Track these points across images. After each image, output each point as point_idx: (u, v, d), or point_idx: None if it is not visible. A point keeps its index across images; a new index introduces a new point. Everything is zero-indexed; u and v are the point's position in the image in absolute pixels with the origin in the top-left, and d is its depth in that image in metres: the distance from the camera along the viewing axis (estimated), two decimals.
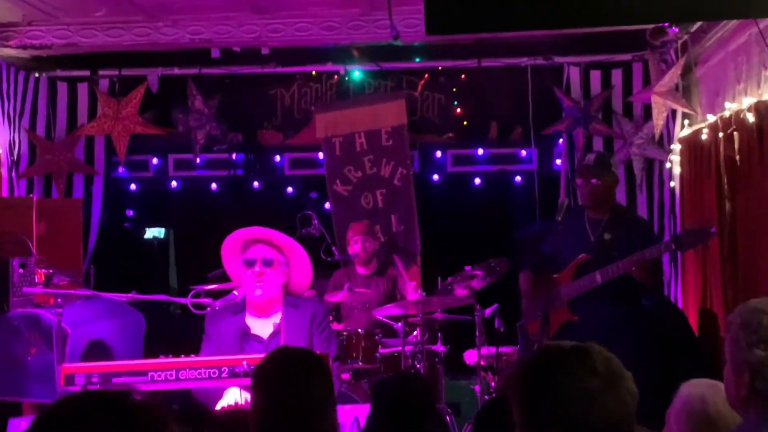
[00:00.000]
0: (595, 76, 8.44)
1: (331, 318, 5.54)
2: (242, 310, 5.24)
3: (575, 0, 3.55)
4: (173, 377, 4.49)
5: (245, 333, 5.14)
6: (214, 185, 9.18)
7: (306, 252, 5.41)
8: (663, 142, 8.17)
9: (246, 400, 4.66)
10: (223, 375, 4.49)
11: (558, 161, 8.70)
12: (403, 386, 3.97)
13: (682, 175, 7.90)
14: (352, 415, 4.50)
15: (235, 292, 5.21)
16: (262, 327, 5.20)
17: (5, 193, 8.33)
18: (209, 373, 4.49)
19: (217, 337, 5.16)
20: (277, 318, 5.20)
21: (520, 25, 3.72)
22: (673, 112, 7.99)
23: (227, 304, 5.15)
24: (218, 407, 4.76)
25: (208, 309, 5.00)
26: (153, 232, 9.54)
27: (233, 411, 4.63)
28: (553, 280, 5.83)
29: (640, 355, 5.19)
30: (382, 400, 3.96)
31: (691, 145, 7.63)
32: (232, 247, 5.35)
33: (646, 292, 5.91)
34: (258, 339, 5.13)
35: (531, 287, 5.98)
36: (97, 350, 6.86)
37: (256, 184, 9.15)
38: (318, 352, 5.02)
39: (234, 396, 4.80)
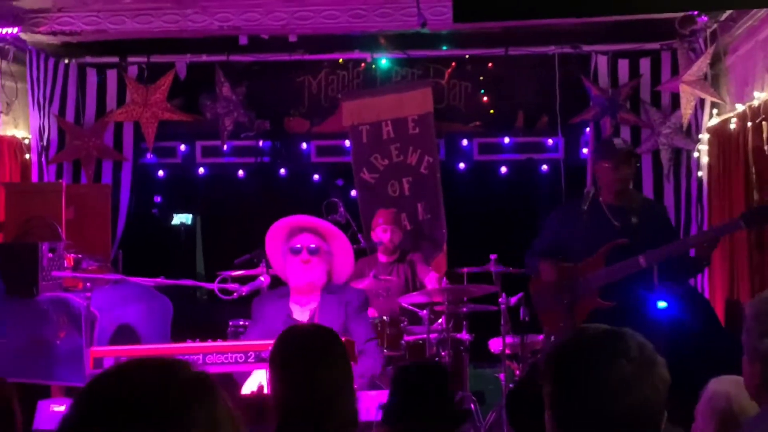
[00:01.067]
0: (623, 65, 8.39)
1: (367, 304, 5.62)
2: (287, 295, 5.37)
3: None
4: (200, 361, 4.53)
5: (288, 317, 5.26)
6: (241, 172, 9.20)
7: (349, 241, 5.50)
8: (691, 131, 8.12)
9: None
10: (250, 360, 4.53)
11: (584, 150, 8.67)
12: (423, 375, 3.97)
13: (709, 165, 7.87)
14: (377, 401, 4.52)
15: (261, 278, 5.28)
16: (301, 312, 5.32)
17: (35, 179, 8.41)
18: (236, 357, 4.54)
19: (263, 321, 5.29)
20: (314, 304, 5.33)
21: (548, 12, 3.71)
22: (702, 102, 7.96)
23: (261, 289, 5.23)
24: (244, 391, 4.80)
25: (235, 294, 5.05)
26: (180, 218, 9.60)
27: (256, 396, 4.67)
28: (572, 268, 5.78)
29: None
30: (401, 388, 3.97)
31: (720, 134, 7.59)
32: (277, 235, 5.45)
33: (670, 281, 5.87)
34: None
35: (555, 276, 5.92)
36: (124, 335, 6.92)
37: (282, 171, 9.17)
38: (354, 335, 5.11)
39: (259, 380, 4.84)
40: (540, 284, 5.97)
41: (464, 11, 3.33)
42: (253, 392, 4.76)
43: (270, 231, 5.48)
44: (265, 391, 4.74)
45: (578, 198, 5.81)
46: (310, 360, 3.06)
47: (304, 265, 5.28)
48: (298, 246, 5.32)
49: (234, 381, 4.95)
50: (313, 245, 5.32)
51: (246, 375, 4.90)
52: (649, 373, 2.06)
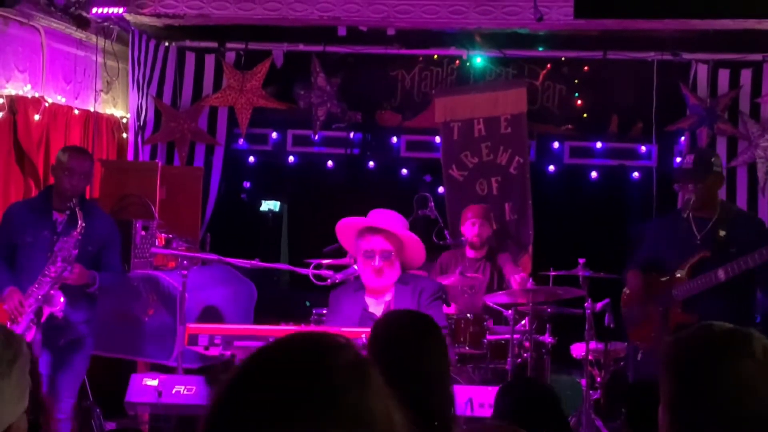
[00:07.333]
0: (724, 74, 8.24)
1: (442, 294, 5.54)
2: (362, 288, 5.33)
3: None
4: None
5: (365, 311, 5.24)
6: (330, 162, 9.24)
7: (421, 241, 5.43)
8: None
9: None
10: None
11: (678, 159, 8.53)
12: (534, 398, 3.82)
13: None
14: (467, 395, 4.52)
15: (355, 266, 5.26)
16: (376, 305, 5.29)
17: (130, 157, 8.56)
18: None
19: (339, 313, 5.27)
20: (389, 296, 5.30)
21: (670, 13, 3.67)
22: None
23: (348, 279, 5.22)
24: None
25: (329, 281, 5.07)
26: (269, 205, 9.68)
27: None
28: (661, 280, 5.72)
29: None
30: (507, 406, 3.81)
31: None
32: (349, 230, 5.39)
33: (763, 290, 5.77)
34: (373, 317, 5.17)
35: (642, 287, 5.84)
36: (210, 316, 7.03)
37: (371, 163, 9.18)
38: None
39: None
40: (628, 294, 5.93)
41: (586, 8, 3.31)
42: None
43: (340, 226, 5.42)
44: None
45: (678, 208, 5.76)
46: (407, 348, 3.04)
47: (377, 272, 5.19)
48: (371, 249, 5.23)
49: None
50: (386, 249, 5.22)
51: None
52: None
